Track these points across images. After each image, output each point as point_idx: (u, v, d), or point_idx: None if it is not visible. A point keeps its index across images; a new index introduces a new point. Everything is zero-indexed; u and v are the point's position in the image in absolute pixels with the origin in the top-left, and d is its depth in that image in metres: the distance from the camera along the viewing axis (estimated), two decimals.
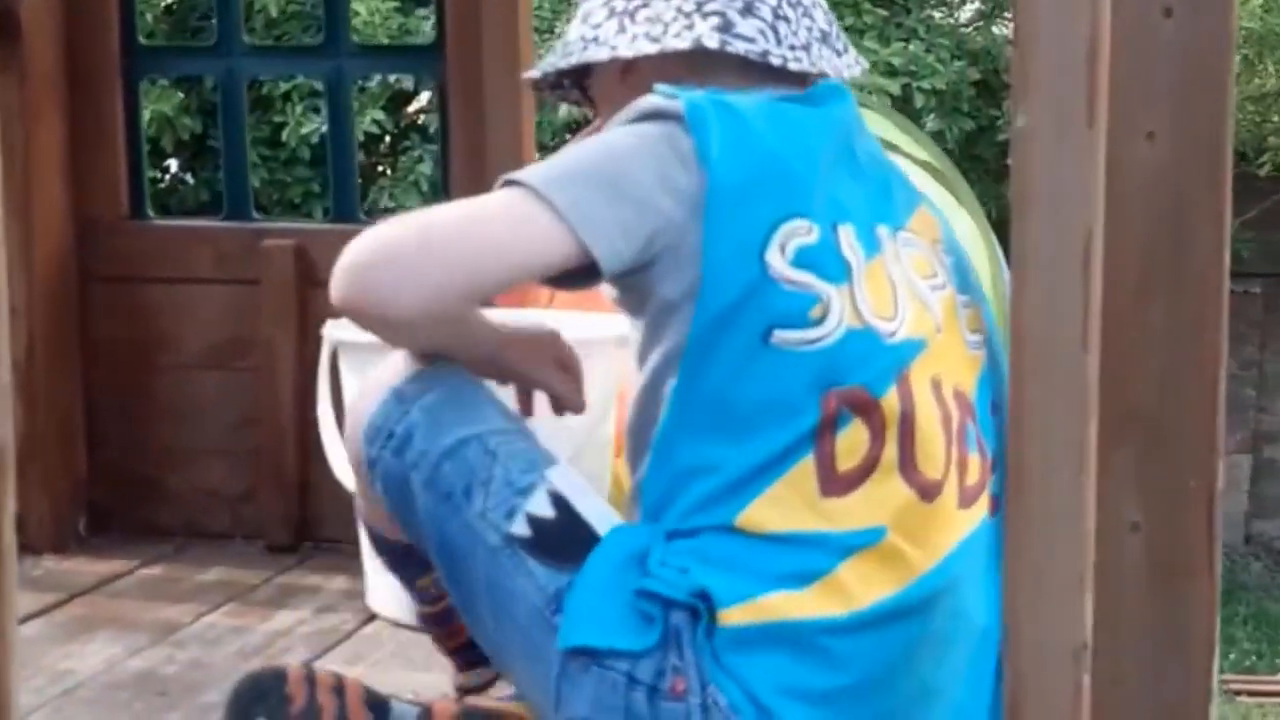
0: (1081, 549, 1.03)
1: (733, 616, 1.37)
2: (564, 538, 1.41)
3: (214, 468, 2.73)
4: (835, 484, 1.40)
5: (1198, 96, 1.16)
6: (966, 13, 8.84)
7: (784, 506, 1.39)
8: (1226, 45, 1.18)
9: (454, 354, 1.49)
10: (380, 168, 8.04)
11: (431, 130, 7.58)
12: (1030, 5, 1.04)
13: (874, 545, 1.40)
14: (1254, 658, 7.53)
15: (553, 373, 1.61)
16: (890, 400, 1.41)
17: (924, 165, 1.77)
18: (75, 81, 2.71)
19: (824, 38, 1.58)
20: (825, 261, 1.42)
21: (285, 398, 2.65)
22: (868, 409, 1.41)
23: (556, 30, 7.29)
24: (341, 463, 2.21)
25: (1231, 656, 7.24)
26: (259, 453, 2.69)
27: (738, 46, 1.52)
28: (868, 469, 1.41)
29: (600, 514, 1.44)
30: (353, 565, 2.35)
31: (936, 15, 8.53)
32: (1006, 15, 8.42)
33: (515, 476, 1.42)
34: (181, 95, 7.41)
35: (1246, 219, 7.48)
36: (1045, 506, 1.03)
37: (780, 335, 1.40)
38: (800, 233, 1.42)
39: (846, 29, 7.67)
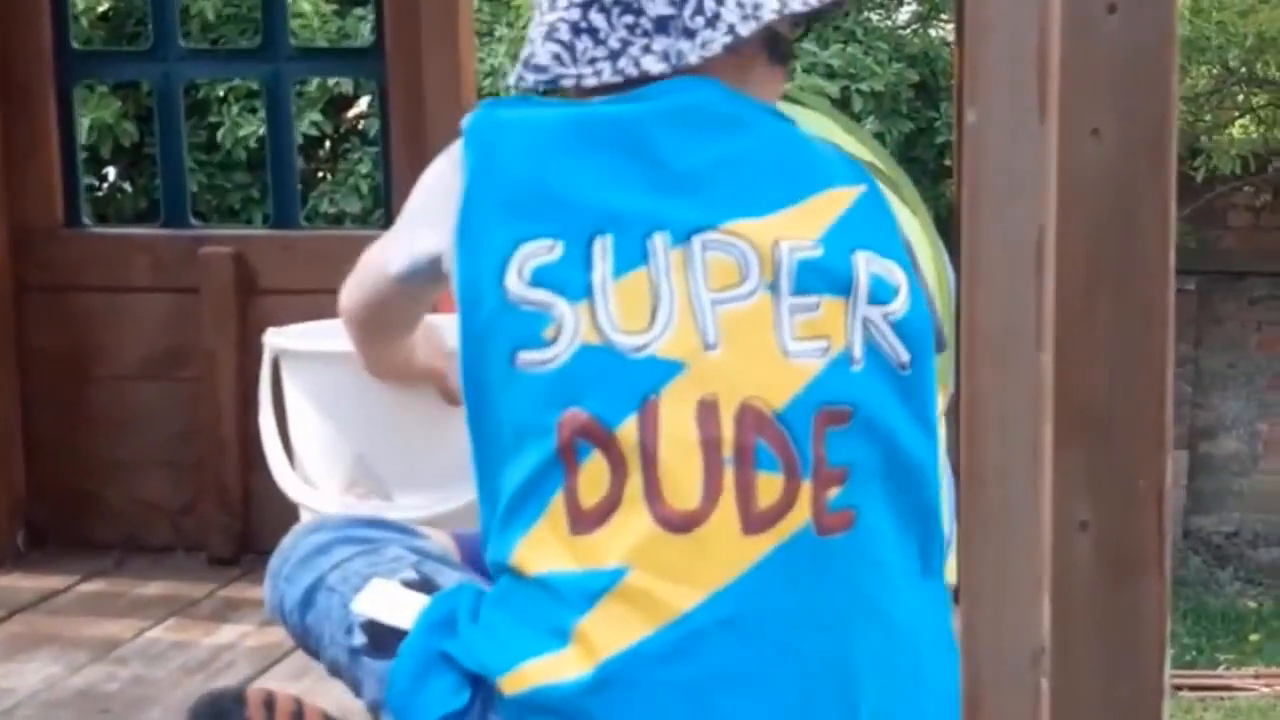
0: (1038, 551, 1.03)
1: (505, 687, 1.37)
2: (390, 637, 1.48)
3: (154, 480, 2.69)
4: (583, 521, 1.36)
5: (1142, 93, 1.15)
6: (904, 15, 8.89)
7: (543, 546, 1.37)
8: (1169, 41, 1.18)
9: (384, 355, 1.82)
10: (320, 172, 7.98)
11: (372, 134, 7.54)
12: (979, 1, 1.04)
13: (615, 587, 1.34)
14: (1194, 652, 7.61)
15: (440, 367, 1.87)
16: (626, 431, 1.35)
17: (866, 165, 1.76)
18: (8, 87, 2.67)
19: (662, 26, 1.45)
20: (566, 278, 1.38)
21: (226, 408, 2.62)
22: (603, 441, 1.35)
23: (496, 33, 7.26)
24: (285, 472, 2.19)
25: (1172, 651, 7.30)
26: (200, 464, 2.65)
27: (528, 80, 1.47)
28: (613, 503, 1.36)
29: (413, 605, 1.47)
30: None
31: (874, 18, 8.58)
32: (943, 17, 8.47)
33: (348, 596, 1.53)
34: (120, 102, 7.33)
35: (1180, 216, 7.59)
36: (1002, 508, 1.03)
37: (522, 357, 1.37)
38: (540, 252, 1.39)
39: None
